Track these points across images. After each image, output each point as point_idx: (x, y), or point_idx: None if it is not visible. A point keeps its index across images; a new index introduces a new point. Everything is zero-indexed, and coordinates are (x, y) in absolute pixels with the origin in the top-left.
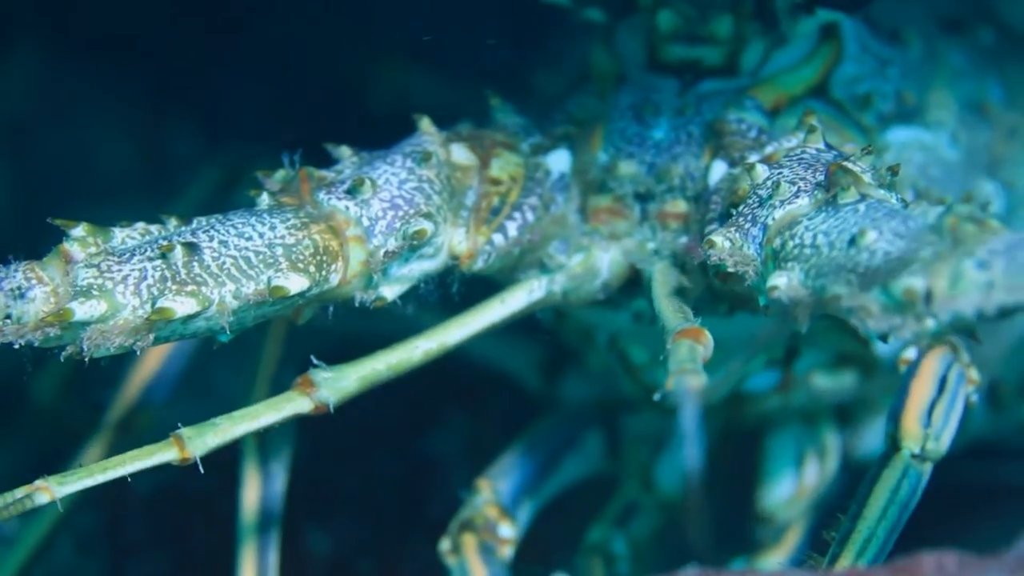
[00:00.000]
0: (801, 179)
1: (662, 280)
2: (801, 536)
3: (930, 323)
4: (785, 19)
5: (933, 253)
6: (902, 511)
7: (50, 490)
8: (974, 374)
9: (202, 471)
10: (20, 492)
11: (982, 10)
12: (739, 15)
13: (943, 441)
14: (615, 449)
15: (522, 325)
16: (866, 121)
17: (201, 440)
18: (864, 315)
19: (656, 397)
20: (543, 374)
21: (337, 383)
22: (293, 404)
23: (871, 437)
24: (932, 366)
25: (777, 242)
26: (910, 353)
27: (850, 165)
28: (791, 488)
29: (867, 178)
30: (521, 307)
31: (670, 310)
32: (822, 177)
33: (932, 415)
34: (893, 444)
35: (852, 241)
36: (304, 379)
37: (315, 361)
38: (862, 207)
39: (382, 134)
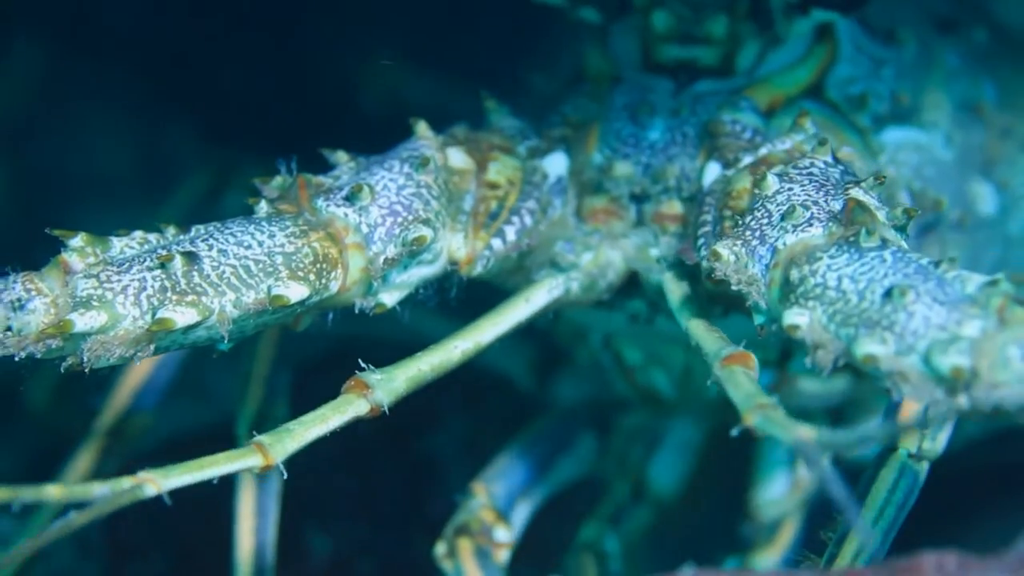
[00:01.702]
0: (814, 203)
1: (677, 291)
2: (794, 534)
3: (964, 402)
4: (780, 19)
5: (980, 331)
6: (899, 511)
7: (156, 483)
8: None
9: (284, 476)
10: (127, 483)
11: (975, 10)
12: (734, 15)
13: (939, 441)
14: (607, 449)
15: None
16: (861, 122)
17: (281, 446)
18: (900, 380)
19: (734, 432)
20: (535, 375)
21: (389, 384)
22: (353, 407)
23: None
24: None
25: (794, 274)
26: None
27: (865, 199)
28: (784, 487)
29: (881, 216)
30: (543, 305)
31: (703, 331)
32: (836, 205)
33: (928, 414)
34: (890, 443)
35: (887, 296)
36: (356, 382)
37: (363, 364)
38: (888, 256)
39: (375, 136)
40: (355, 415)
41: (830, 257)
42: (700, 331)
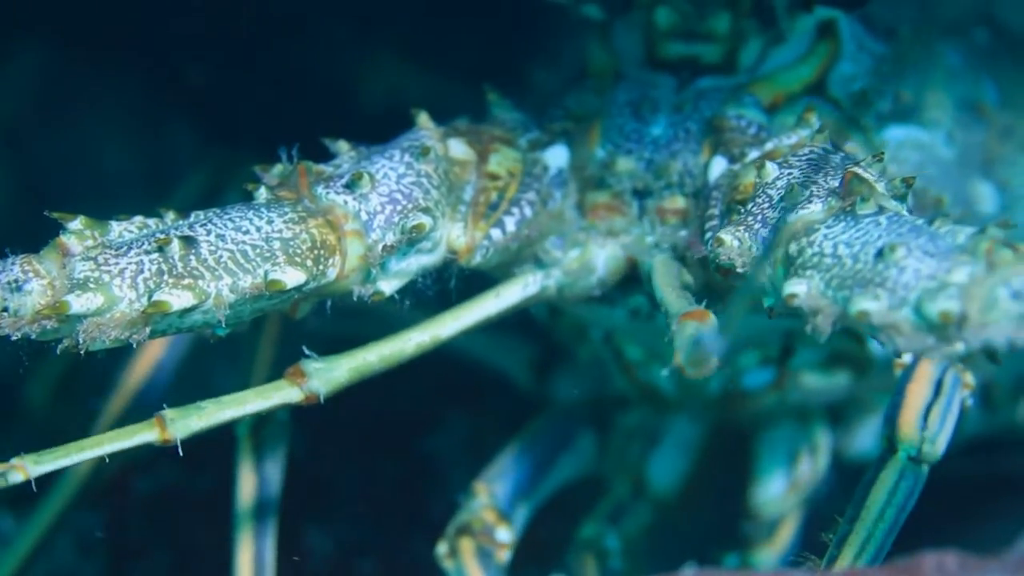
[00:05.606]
0: (813, 183)
1: (663, 271)
2: (793, 532)
3: (960, 347)
4: (783, 16)
5: (968, 276)
6: (899, 513)
7: (24, 469)
8: (969, 379)
9: (180, 453)
10: None
11: (977, 11)
12: (737, 12)
13: (939, 444)
14: (607, 447)
15: (514, 323)
16: (863, 120)
17: (184, 423)
18: (894, 333)
19: (664, 373)
20: (534, 372)
21: (328, 373)
22: (283, 393)
23: (863, 436)
24: (928, 369)
25: (793, 248)
26: (906, 356)
27: (863, 173)
28: (783, 485)
29: (880, 187)
30: (516, 302)
31: (673, 296)
32: (835, 183)
33: (928, 418)
34: (890, 446)
35: (879, 255)
36: (295, 369)
37: (306, 351)
38: (883, 220)
39: (375, 132)
40: (283, 402)
41: (827, 227)
42: (669, 294)
